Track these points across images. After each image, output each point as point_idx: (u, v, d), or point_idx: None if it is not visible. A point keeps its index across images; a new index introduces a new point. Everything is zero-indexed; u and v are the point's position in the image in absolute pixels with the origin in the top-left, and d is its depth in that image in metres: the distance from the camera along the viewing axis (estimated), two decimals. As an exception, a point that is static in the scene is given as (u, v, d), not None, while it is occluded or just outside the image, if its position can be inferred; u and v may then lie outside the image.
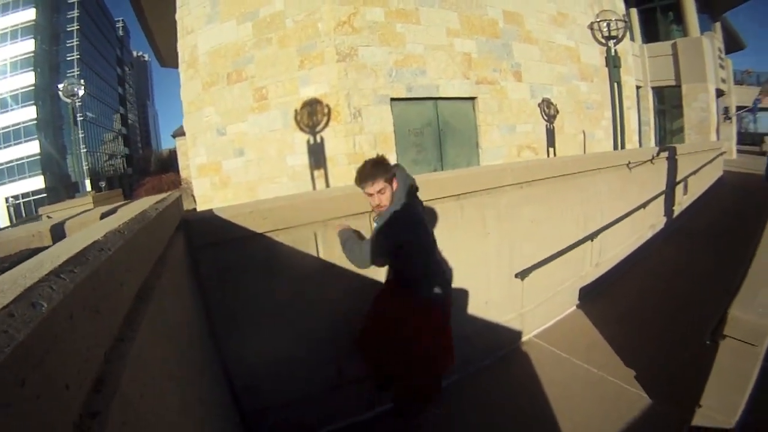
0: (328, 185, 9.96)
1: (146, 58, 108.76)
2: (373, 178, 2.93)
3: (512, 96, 12.52)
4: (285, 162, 10.66)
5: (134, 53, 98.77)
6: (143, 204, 2.95)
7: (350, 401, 3.65)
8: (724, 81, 23.07)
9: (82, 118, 18.37)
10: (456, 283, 3.96)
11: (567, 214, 5.73)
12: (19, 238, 2.70)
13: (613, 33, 10.51)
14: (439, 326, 3.16)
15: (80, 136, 16.68)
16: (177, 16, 11.89)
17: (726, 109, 15.72)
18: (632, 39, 19.73)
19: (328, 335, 3.43)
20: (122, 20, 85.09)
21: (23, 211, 44.87)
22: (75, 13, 59.64)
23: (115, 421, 0.91)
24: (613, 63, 10.46)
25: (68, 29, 58.76)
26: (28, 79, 49.90)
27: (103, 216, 2.92)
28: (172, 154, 46.37)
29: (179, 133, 27.79)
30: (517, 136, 12.60)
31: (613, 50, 10.48)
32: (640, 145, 18.32)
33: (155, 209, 2.24)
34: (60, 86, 16.24)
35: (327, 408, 3.56)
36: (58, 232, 2.77)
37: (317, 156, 10.13)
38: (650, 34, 21.47)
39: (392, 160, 9.81)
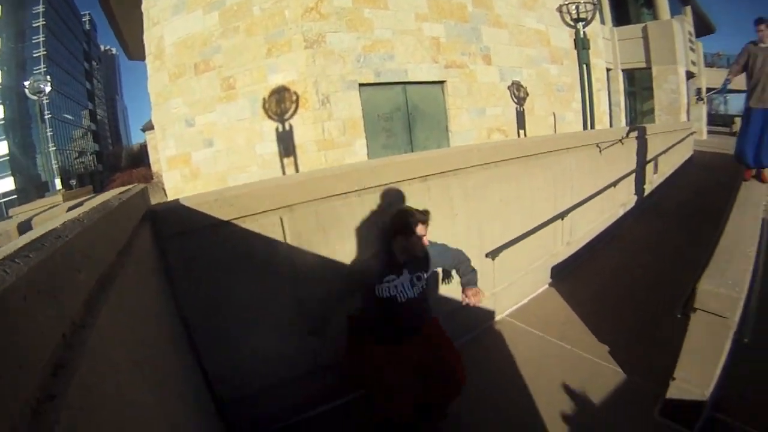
0: (298, 172, 9.83)
1: (114, 52, 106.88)
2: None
3: (482, 79, 12.59)
4: (254, 151, 10.69)
5: (102, 47, 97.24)
6: (107, 196, 2.91)
7: (325, 388, 3.66)
8: (694, 63, 23.52)
9: (50, 116, 18.25)
10: None
11: (537, 194, 5.76)
12: (-14, 238, 2.70)
13: (582, 15, 10.53)
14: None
15: (48, 134, 16.55)
16: (143, 8, 11.80)
17: (698, 91, 15.94)
18: (603, 22, 19.98)
19: (300, 321, 3.41)
20: (89, 14, 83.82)
21: (-6, 213, 44.30)
22: (40, 8, 58.65)
23: (73, 405, 0.91)
24: (581, 45, 10.52)
25: (34, 25, 57.82)
26: (-7, 78, 49.22)
27: (70, 209, 2.85)
28: (143, 149, 45.62)
29: (149, 126, 27.43)
30: (486, 119, 12.70)
31: (581, 32, 10.52)
32: (611, 126, 18.59)
33: (118, 199, 2.23)
34: (26, 84, 16.07)
35: (303, 395, 3.57)
36: (25, 229, 2.79)
37: (286, 144, 10.18)
38: (621, 18, 21.76)
39: (361, 145, 9.85)
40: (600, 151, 7.28)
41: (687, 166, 14.78)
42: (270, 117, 10.21)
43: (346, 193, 3.52)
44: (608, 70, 20.21)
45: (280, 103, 10.02)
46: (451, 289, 4.32)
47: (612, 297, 5.50)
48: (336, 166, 5.27)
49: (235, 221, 3.08)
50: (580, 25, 10.53)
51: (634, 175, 8.96)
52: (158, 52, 11.67)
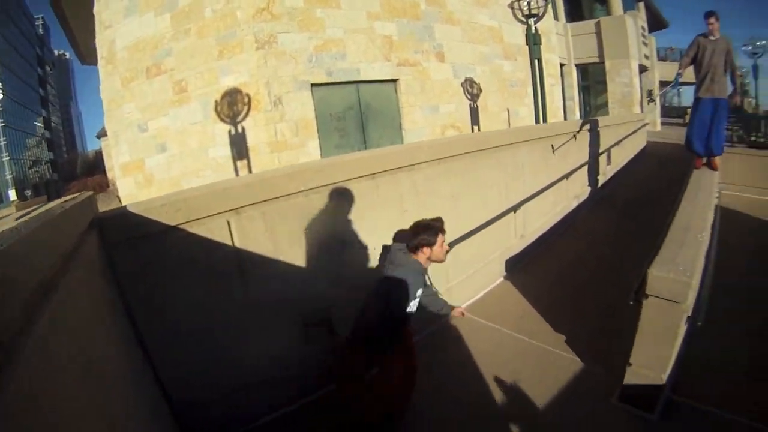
0: (245, 175, 9.89)
1: (68, 56, 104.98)
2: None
3: (435, 77, 12.70)
4: (207, 155, 10.63)
5: (55, 52, 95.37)
6: (51, 204, 2.76)
7: (283, 391, 3.64)
8: (647, 57, 24.18)
9: (3, 125, 18.00)
10: (376, 261, 4.05)
11: (488, 188, 5.84)
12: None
13: (534, 11, 10.69)
14: None
15: (2, 143, 16.26)
16: (95, 11, 11.66)
17: (650, 92, 16.46)
18: (556, 18, 20.45)
19: (253, 324, 3.41)
20: (42, 17, 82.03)
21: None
22: (-9, 12, 57.42)
23: (7, 412, 0.90)
24: (533, 41, 10.76)
25: (-16, 29, 56.56)
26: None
27: (17, 219, 2.86)
28: (98, 156, 44.63)
29: (104, 133, 26.84)
30: (440, 116, 12.82)
31: (533, 28, 10.75)
32: (566, 120, 18.96)
33: (61, 207, 2.21)
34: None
35: (263, 398, 3.54)
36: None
37: (239, 146, 10.16)
38: (574, 14, 22.21)
39: (314, 146, 9.87)
40: (552, 148, 7.49)
41: (641, 156, 15.25)
42: (222, 120, 10.16)
43: (293, 193, 3.53)
44: (562, 65, 20.58)
45: (233, 105, 9.98)
46: None
47: (567, 287, 5.61)
48: (283, 167, 5.23)
49: (182, 226, 3.05)
50: (531, 21, 10.69)
51: (587, 167, 9.17)
52: (110, 56, 11.52)
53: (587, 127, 9.27)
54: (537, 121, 11.14)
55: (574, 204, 8.74)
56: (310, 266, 3.67)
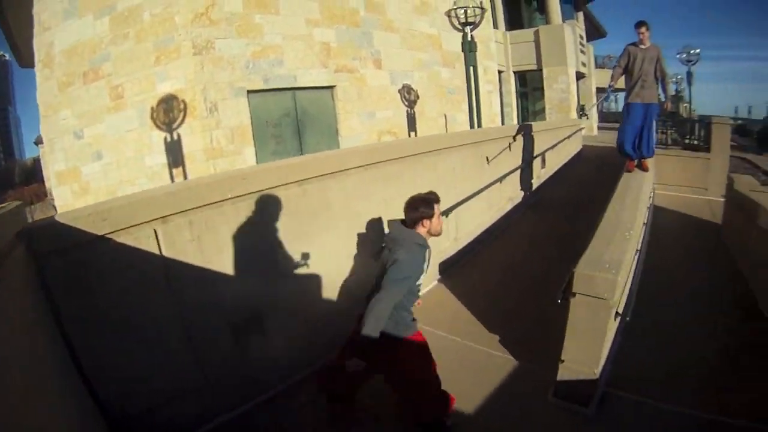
0: (172, 183, 9.72)
1: (7, 58, 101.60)
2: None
3: (372, 83, 12.88)
4: (143, 162, 10.53)
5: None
6: None
7: (217, 400, 3.54)
8: (584, 65, 25.01)
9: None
10: (307, 269, 4.12)
11: (420, 191, 5.86)
12: None
13: (470, 19, 11.00)
14: None
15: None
16: (34, 11, 11.44)
17: (582, 107, 17.05)
18: (496, 27, 21.07)
19: (184, 332, 3.33)
20: (-22, 18, 79.34)
21: None
22: None
23: None
24: (468, 48, 11.00)
25: None
26: None
27: None
28: (37, 164, 43.28)
29: (41, 140, 26.29)
30: (377, 122, 13.00)
31: (469, 36, 11.01)
32: (503, 125, 19.40)
33: None
34: None
35: (197, 407, 3.44)
36: None
37: (175, 154, 10.06)
38: (514, 22, 22.96)
39: (250, 153, 9.92)
40: (485, 153, 7.67)
41: (576, 159, 15.80)
42: (158, 127, 10.06)
43: (219, 201, 3.48)
44: (501, 72, 21.26)
45: (169, 112, 9.88)
46: (333, 293, 4.44)
47: (501, 288, 5.70)
48: (209, 175, 5.28)
49: (110, 235, 2.98)
50: (468, 28, 11.00)
51: (521, 170, 9.43)
52: (48, 60, 11.34)
53: (521, 131, 9.38)
54: (472, 126, 11.41)
55: (509, 207, 8.91)
56: (239, 274, 3.62)
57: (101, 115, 10.75)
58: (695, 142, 16.08)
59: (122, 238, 3.03)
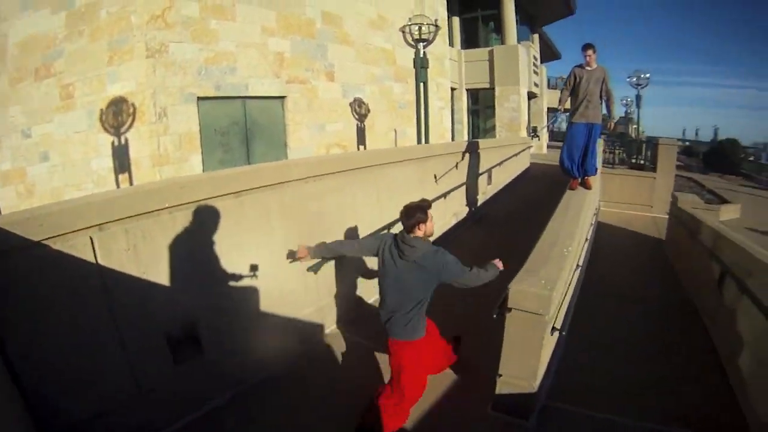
0: (111, 190, 8.96)
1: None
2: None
3: (323, 95, 13.10)
4: (90, 166, 10.33)
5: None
6: None
7: (154, 413, 3.52)
8: (537, 85, 25.98)
9: None
10: (244, 281, 4.14)
11: (361, 206, 5.92)
12: None
13: (424, 36, 11.21)
14: None
15: None
16: None
17: (534, 129, 17.59)
18: (451, 45, 21.85)
19: (120, 344, 3.29)
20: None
21: None
22: None
23: None
24: (420, 64, 11.14)
25: None
26: None
27: None
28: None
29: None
30: (326, 134, 13.17)
31: (421, 52, 11.19)
32: (453, 141, 19.87)
33: None
34: None
35: (132, 422, 3.38)
36: None
37: (122, 159, 9.89)
38: (471, 41, 23.73)
39: (197, 161, 9.93)
40: (430, 167, 7.88)
41: (523, 177, 16.33)
42: (106, 130, 9.85)
43: (156, 210, 3.47)
44: (453, 89, 21.80)
45: (118, 115, 9.69)
46: (270, 306, 4.45)
47: (442, 301, 5.63)
48: (147, 183, 5.19)
49: (46, 241, 2.94)
50: (421, 45, 11.24)
51: (466, 186, 9.66)
52: (1, 52, 10.98)
53: (468, 148, 9.75)
54: (419, 141, 11.55)
55: (453, 222, 9.06)
56: (175, 284, 3.60)
57: (50, 114, 10.54)
58: (642, 162, 16.89)
59: (59, 245, 3.01)
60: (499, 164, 12.24)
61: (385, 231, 5.98)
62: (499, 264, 3.70)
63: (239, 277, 4.13)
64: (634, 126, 28.20)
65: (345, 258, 5.13)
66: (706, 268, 6.18)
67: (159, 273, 3.52)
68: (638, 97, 22.45)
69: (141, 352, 3.41)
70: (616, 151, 18.01)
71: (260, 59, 11.48)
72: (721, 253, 5.69)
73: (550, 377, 3.98)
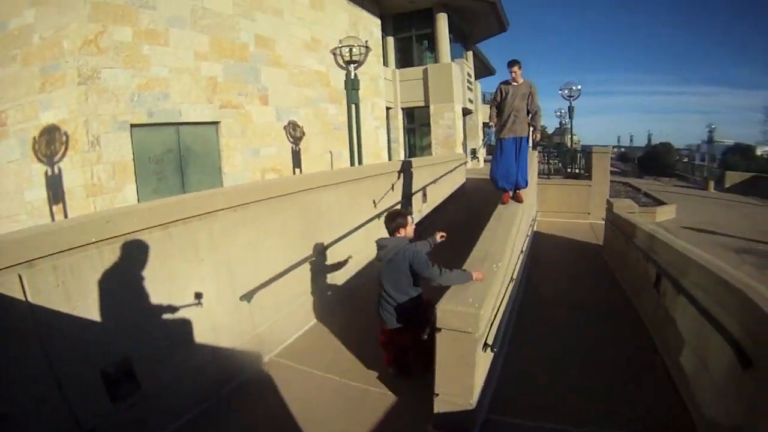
0: (40, 224, 8.49)
1: None
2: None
3: (257, 119, 13.43)
4: (23, 197, 10.15)
5: None
6: None
7: None
8: (471, 101, 27.04)
9: None
10: (177, 314, 4.11)
11: (291, 232, 5.97)
12: None
13: (355, 58, 11.45)
14: None
15: None
16: None
17: (474, 151, 18.13)
18: (386, 64, 22.49)
19: (54, 384, 3.19)
20: None
21: None
22: None
23: None
24: (351, 86, 11.32)
25: None
26: None
27: None
28: None
29: None
30: (261, 159, 13.50)
31: (352, 74, 11.39)
32: (389, 161, 20.20)
33: None
34: None
35: None
36: None
37: (56, 189, 9.73)
38: (406, 60, 24.32)
39: (131, 190, 9.93)
40: (363, 184, 8.14)
41: (459, 193, 16.67)
42: (39, 159, 9.71)
43: (83, 245, 3.43)
44: (389, 108, 22.46)
45: (51, 144, 9.58)
46: (204, 337, 4.43)
47: (379, 324, 5.80)
48: (73, 217, 4.63)
49: None
50: (351, 67, 11.49)
51: (401, 206, 9.82)
52: None
53: (402, 168, 9.97)
54: (352, 163, 11.75)
55: None
56: (107, 319, 3.54)
57: (-17, 143, 10.27)
58: (577, 171, 17.71)
59: (-16, 283, 2.94)
60: (434, 182, 12.39)
61: (316, 257, 6.29)
62: (475, 274, 3.95)
63: (171, 310, 4.13)
64: (568, 136, 29.35)
65: (278, 283, 5.31)
66: (643, 271, 6.58)
67: (90, 309, 3.48)
68: (570, 109, 23.34)
69: (78, 389, 3.32)
70: (552, 162, 18.84)
71: (193, 84, 11.55)
72: (656, 254, 6.05)
73: (490, 391, 4.14)
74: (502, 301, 4.52)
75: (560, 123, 42.71)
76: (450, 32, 23.78)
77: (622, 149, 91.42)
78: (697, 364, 4.06)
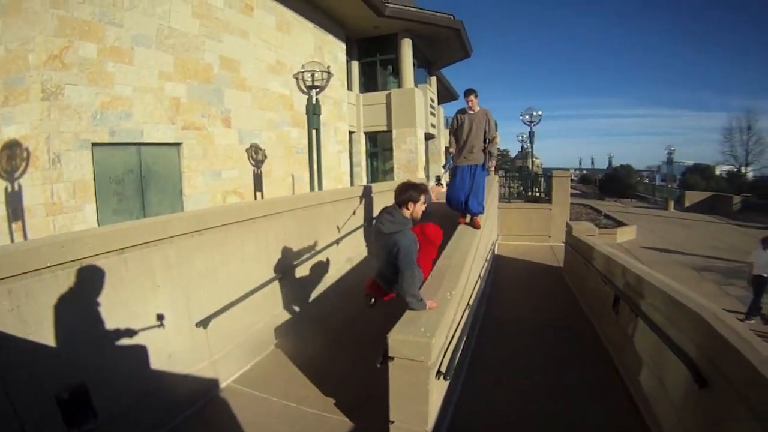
0: (26, 240, 9.01)
1: None
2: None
3: (219, 142, 13.57)
4: None
5: None
6: None
7: None
8: (434, 126, 27.62)
9: None
10: (132, 340, 4.11)
11: (248, 258, 6.01)
12: None
13: (317, 83, 11.57)
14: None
15: None
16: None
17: (438, 178, 18.57)
18: (350, 88, 22.87)
19: (12, 410, 3.13)
20: None
21: None
22: None
23: None
24: (312, 111, 11.47)
25: None
26: None
27: None
28: None
29: None
30: (222, 181, 13.66)
31: (314, 99, 11.53)
32: (352, 185, 20.70)
33: None
34: None
35: None
36: None
37: (15, 207, 9.62)
38: (370, 85, 24.76)
39: (91, 210, 9.86)
40: (321, 210, 8.25)
41: (421, 218, 16.97)
42: (0, 175, 9.60)
43: (38, 270, 3.42)
44: (352, 132, 22.84)
45: (12, 159, 9.48)
46: (160, 364, 4.41)
47: (337, 348, 5.95)
48: (29, 241, 5.09)
49: None
50: (313, 92, 11.62)
51: (362, 229, 10.14)
52: None
53: (362, 192, 10.20)
54: (312, 188, 11.97)
55: (348, 267, 9.09)
56: (63, 345, 3.55)
57: (-56, 157, 9.86)
58: (538, 194, 18.23)
59: None
60: (396, 206, 12.55)
61: (275, 281, 6.39)
62: (429, 303, 3.97)
63: (126, 336, 4.13)
64: (530, 160, 30.00)
65: (236, 309, 5.34)
66: (603, 293, 6.77)
67: (45, 334, 3.46)
68: (531, 134, 23.94)
69: (35, 418, 3.28)
70: (513, 185, 19.37)
71: (156, 104, 11.64)
72: (614, 277, 6.27)
73: (448, 417, 4.18)
74: (457, 327, 4.60)
75: (522, 147, 43.57)
76: (414, 58, 24.29)
77: (584, 171, 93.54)
78: (656, 383, 4.25)
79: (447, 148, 8.26)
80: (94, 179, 10.39)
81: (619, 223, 21.89)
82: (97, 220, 10.33)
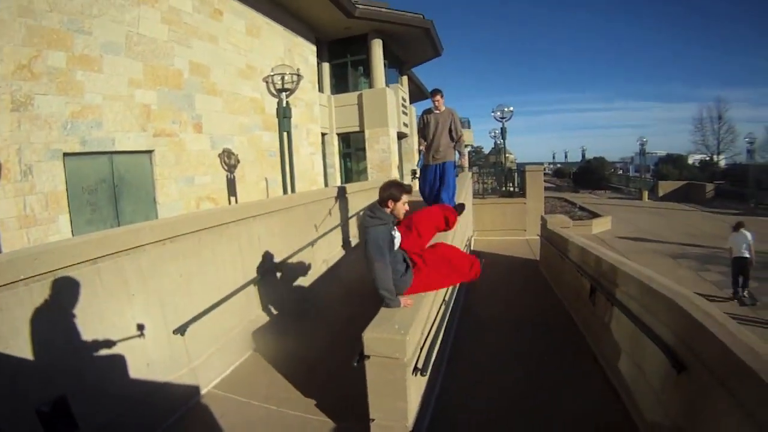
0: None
1: None
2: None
3: (191, 147, 13.64)
4: None
5: None
6: None
7: None
8: (406, 125, 27.76)
9: None
10: (110, 350, 4.10)
11: (222, 264, 5.97)
12: None
13: (287, 86, 11.80)
14: None
15: None
16: None
17: (414, 171, 18.87)
18: (321, 90, 23.07)
19: None
20: None
21: None
22: None
23: None
24: (283, 114, 11.62)
25: None
26: None
27: None
28: None
29: None
30: (195, 187, 13.74)
31: (284, 102, 11.69)
32: (326, 186, 20.84)
33: None
34: None
35: None
36: None
37: None
38: (341, 86, 24.93)
39: (65, 222, 9.87)
40: (294, 213, 8.26)
41: None
42: None
43: (11, 283, 3.41)
44: (324, 134, 23.02)
45: None
46: (138, 372, 4.40)
47: (317, 350, 5.91)
48: (2, 254, 4.25)
49: None
50: (283, 95, 11.80)
51: (339, 230, 10.27)
52: None
53: (336, 193, 10.30)
54: (285, 191, 12.10)
55: (324, 268, 9.12)
56: (40, 357, 3.53)
57: None
58: (512, 189, 18.53)
59: None
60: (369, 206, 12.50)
61: (251, 285, 6.36)
62: (403, 301, 4.07)
63: (104, 346, 4.10)
64: (504, 156, 30.23)
65: (213, 315, 5.31)
66: (579, 284, 6.86)
67: (20, 348, 3.42)
68: (503, 130, 24.23)
69: (16, 430, 3.26)
70: (488, 181, 19.67)
71: (126, 112, 11.63)
72: (589, 267, 6.41)
73: (428, 413, 4.22)
74: (433, 324, 4.65)
75: (495, 143, 43.86)
76: (385, 58, 24.52)
77: (558, 165, 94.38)
78: (635, 371, 4.34)
79: (419, 149, 8.42)
80: (67, 190, 10.36)
81: (594, 215, 22.27)
82: (71, 231, 10.29)
